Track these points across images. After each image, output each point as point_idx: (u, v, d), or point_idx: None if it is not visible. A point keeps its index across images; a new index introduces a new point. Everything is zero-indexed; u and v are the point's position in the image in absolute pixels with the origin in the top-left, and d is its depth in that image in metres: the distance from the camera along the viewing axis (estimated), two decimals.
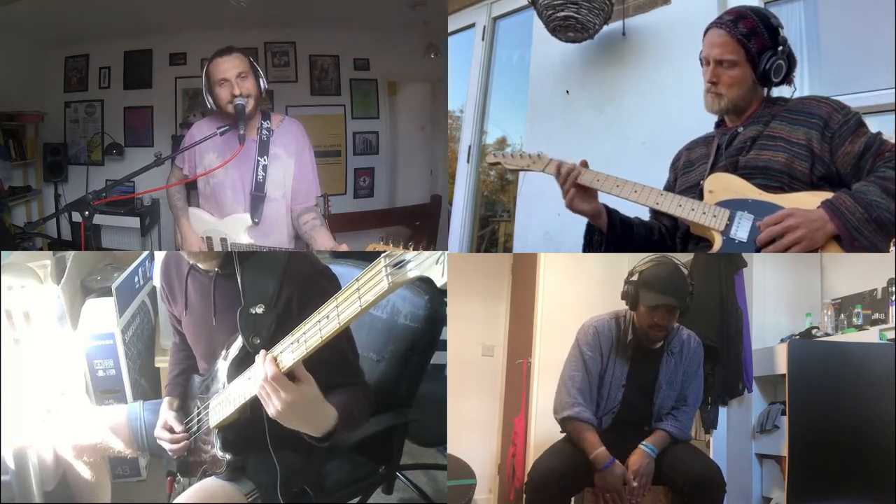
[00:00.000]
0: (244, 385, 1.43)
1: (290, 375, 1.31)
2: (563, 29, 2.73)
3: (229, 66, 2.22)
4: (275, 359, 1.28)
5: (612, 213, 1.75)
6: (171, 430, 1.70)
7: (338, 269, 1.70)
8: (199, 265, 1.66)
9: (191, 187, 2.54)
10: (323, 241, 2.27)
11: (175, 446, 1.69)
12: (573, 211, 1.73)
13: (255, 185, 2.27)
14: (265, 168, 2.27)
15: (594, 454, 1.85)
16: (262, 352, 1.31)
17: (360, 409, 1.53)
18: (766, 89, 1.69)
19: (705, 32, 1.68)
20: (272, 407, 1.29)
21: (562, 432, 2.01)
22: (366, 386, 1.63)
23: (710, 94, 1.68)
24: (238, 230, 2.29)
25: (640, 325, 1.94)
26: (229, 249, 2.26)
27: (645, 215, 1.83)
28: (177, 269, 1.75)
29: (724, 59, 1.62)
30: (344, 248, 2.11)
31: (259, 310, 1.51)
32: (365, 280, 1.04)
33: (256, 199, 2.28)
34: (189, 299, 1.70)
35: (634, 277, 1.93)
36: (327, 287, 1.58)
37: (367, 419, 1.57)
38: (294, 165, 2.33)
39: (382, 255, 1.01)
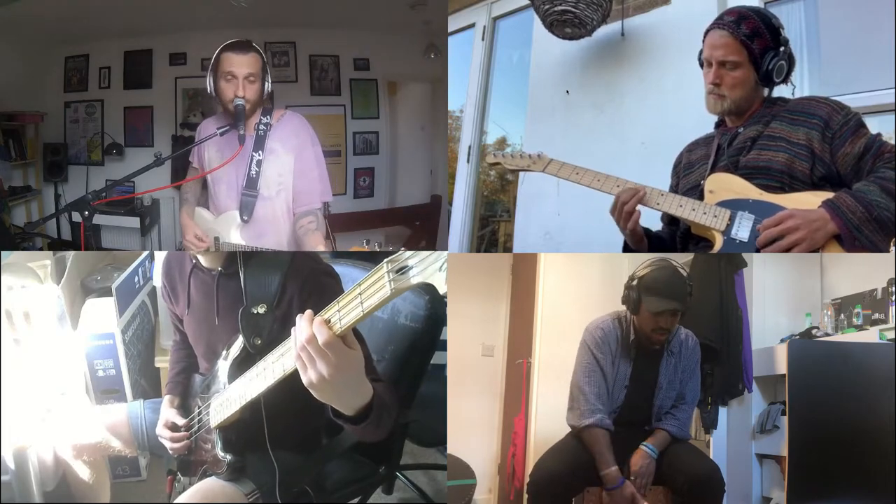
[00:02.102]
0: (245, 386, 1.43)
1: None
2: (560, 24, 2.73)
3: (241, 63, 2.15)
4: (327, 321, 1.12)
5: (648, 233, 1.76)
6: (173, 428, 1.70)
7: (337, 268, 1.70)
8: (203, 264, 1.66)
9: (204, 185, 2.50)
10: (312, 246, 2.20)
11: (176, 445, 1.68)
12: (632, 234, 1.70)
13: (247, 182, 2.21)
14: (259, 164, 2.20)
15: (606, 472, 1.83)
16: (309, 313, 1.14)
17: (390, 400, 1.38)
18: (766, 90, 1.69)
19: (706, 33, 1.67)
20: (316, 372, 1.12)
21: (574, 435, 1.98)
22: (390, 386, 1.53)
23: (713, 96, 1.67)
24: (229, 228, 2.24)
25: (642, 328, 1.94)
26: (221, 248, 2.20)
27: (644, 214, 1.83)
28: (179, 267, 1.75)
29: (728, 61, 1.62)
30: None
31: (261, 310, 1.51)
32: (367, 285, 1.03)
33: (247, 197, 2.22)
34: (191, 298, 1.70)
35: (635, 282, 1.92)
36: (331, 286, 1.59)
37: (394, 416, 1.40)
38: (294, 162, 2.25)
39: (385, 260, 0.99)
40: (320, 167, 2.33)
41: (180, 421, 1.70)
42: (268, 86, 2.24)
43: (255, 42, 2.26)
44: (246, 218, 2.23)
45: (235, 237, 2.23)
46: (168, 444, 1.70)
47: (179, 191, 2.44)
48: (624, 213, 1.65)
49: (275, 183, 2.25)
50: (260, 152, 2.20)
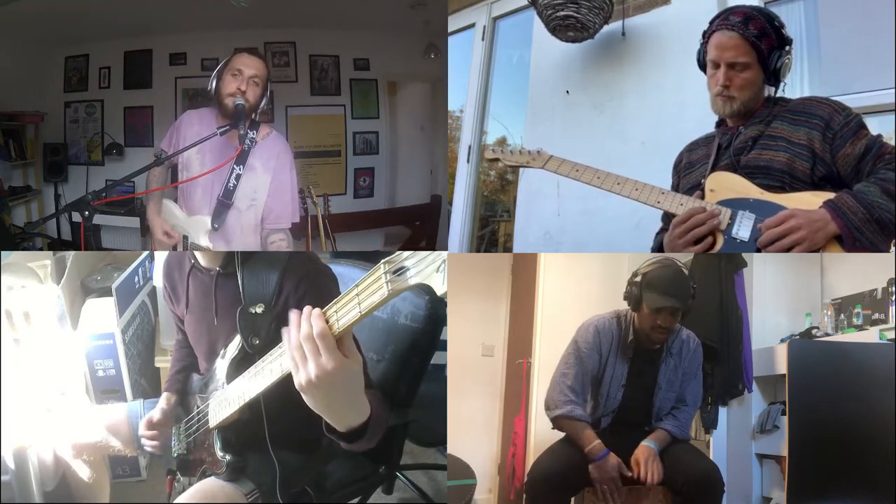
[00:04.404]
0: (244, 385, 1.43)
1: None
2: (563, 28, 2.73)
3: (250, 64, 2.24)
4: (324, 313, 1.10)
5: None
6: (150, 425, 1.70)
7: (337, 269, 1.70)
8: (201, 263, 1.66)
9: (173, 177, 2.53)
10: None
11: (151, 442, 1.69)
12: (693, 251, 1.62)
13: (224, 192, 2.26)
14: (238, 178, 2.26)
15: (589, 447, 1.86)
16: (307, 308, 1.12)
17: (386, 413, 1.37)
18: (769, 89, 1.69)
19: (710, 34, 1.66)
20: (306, 372, 1.09)
21: (553, 429, 2.01)
22: (382, 396, 1.51)
23: (722, 98, 1.65)
24: (199, 231, 2.30)
25: (642, 326, 1.94)
26: (189, 249, 2.24)
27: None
28: (179, 268, 1.75)
29: (738, 62, 1.60)
30: None
31: (258, 309, 1.51)
32: (364, 286, 1.02)
33: (222, 206, 2.28)
34: (190, 298, 1.70)
35: (638, 279, 1.92)
36: (328, 286, 1.58)
37: (385, 427, 1.39)
38: (270, 183, 2.33)
39: (382, 261, 0.99)
40: (293, 190, 2.42)
41: (157, 416, 1.70)
42: (266, 100, 2.30)
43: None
44: (217, 226, 2.29)
45: (204, 241, 2.29)
46: (143, 442, 1.71)
47: (147, 185, 2.45)
48: (693, 235, 1.56)
49: (248, 198, 2.31)
50: (241, 167, 2.26)
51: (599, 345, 1.98)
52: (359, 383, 1.17)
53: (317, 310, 1.11)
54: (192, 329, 1.74)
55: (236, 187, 2.27)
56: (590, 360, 1.97)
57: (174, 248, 2.33)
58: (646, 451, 1.87)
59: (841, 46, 2.31)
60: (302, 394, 1.14)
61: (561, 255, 2.80)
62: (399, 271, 0.97)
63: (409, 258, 0.96)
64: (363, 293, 1.03)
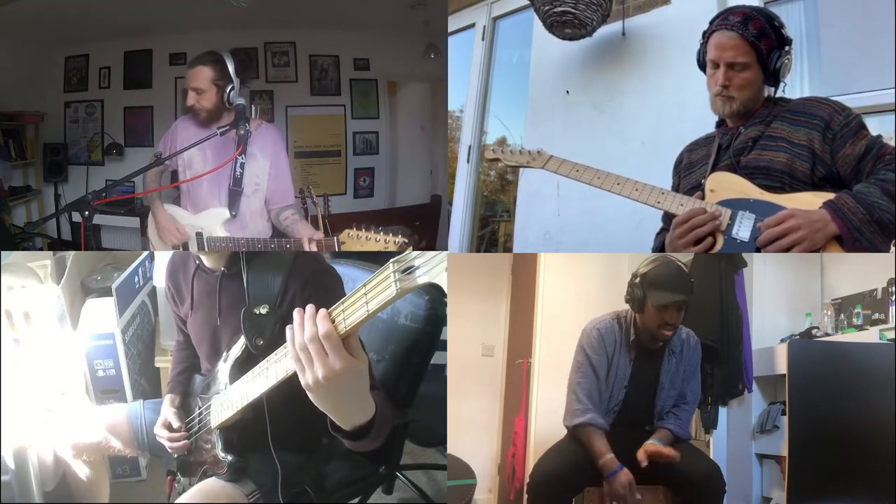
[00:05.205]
0: (247, 386, 1.43)
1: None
2: (560, 25, 2.72)
3: (190, 79, 2.32)
4: (330, 313, 1.10)
5: None
6: (170, 429, 1.70)
7: (339, 269, 1.70)
8: (206, 265, 1.66)
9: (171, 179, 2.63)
10: (304, 232, 2.37)
11: (174, 444, 1.68)
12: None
13: (234, 181, 2.36)
14: (242, 166, 2.36)
15: (603, 460, 1.83)
16: (310, 307, 1.11)
17: (390, 413, 1.36)
18: (769, 89, 1.69)
19: (709, 34, 1.66)
20: (313, 374, 1.08)
21: (568, 436, 2.00)
22: (387, 396, 1.49)
23: (721, 98, 1.65)
24: (215, 224, 2.38)
25: (647, 325, 1.93)
26: (205, 244, 2.35)
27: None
28: (184, 269, 1.75)
29: (737, 62, 1.60)
30: (318, 235, 2.24)
31: (263, 310, 1.51)
32: (373, 285, 1.02)
33: (234, 194, 2.38)
34: (195, 299, 1.70)
35: (638, 279, 1.92)
36: (333, 287, 1.58)
37: (390, 426, 1.38)
38: (270, 167, 2.43)
39: (391, 260, 0.99)
40: (289, 173, 2.54)
41: (176, 422, 1.70)
42: (228, 93, 2.33)
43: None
44: (234, 213, 2.38)
45: (221, 232, 2.38)
46: (166, 444, 1.70)
47: (145, 187, 2.54)
48: (694, 235, 1.57)
49: (253, 183, 2.42)
50: (243, 156, 2.37)
51: (605, 347, 1.97)
52: (365, 383, 1.16)
53: (322, 310, 1.10)
54: (195, 330, 1.74)
55: (243, 175, 2.37)
56: (600, 366, 1.96)
57: (185, 246, 2.38)
58: (652, 446, 1.85)
59: (841, 46, 2.31)
60: (308, 393, 1.13)
61: (561, 255, 2.80)
62: (408, 270, 0.97)
63: (417, 257, 0.96)
64: (371, 292, 1.02)
